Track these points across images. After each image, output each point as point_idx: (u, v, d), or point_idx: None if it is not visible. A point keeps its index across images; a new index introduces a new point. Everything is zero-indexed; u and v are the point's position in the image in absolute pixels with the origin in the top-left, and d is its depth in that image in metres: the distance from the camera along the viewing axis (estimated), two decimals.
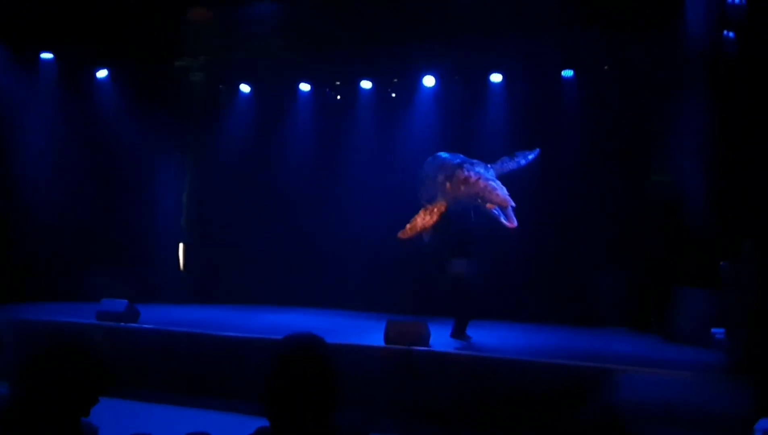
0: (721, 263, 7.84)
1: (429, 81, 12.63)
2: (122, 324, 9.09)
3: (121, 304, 9.32)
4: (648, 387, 6.57)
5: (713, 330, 8.78)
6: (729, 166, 7.89)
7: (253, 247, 13.27)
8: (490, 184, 8.99)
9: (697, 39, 9.09)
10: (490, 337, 9.09)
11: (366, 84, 13.13)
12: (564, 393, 6.77)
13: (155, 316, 9.70)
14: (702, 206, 9.22)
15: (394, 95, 13.08)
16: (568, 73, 11.85)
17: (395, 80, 12.95)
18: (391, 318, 8.22)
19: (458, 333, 8.55)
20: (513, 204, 8.80)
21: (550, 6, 10.20)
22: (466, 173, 9.19)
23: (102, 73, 13.17)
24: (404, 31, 11.26)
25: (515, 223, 8.75)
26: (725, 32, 8.48)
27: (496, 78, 12.26)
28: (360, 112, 13.25)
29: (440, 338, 8.10)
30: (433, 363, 7.43)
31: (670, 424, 5.92)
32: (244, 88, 13.84)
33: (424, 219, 9.54)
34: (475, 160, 9.58)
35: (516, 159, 9.99)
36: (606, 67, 11.55)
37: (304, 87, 13.54)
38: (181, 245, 13.90)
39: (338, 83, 13.42)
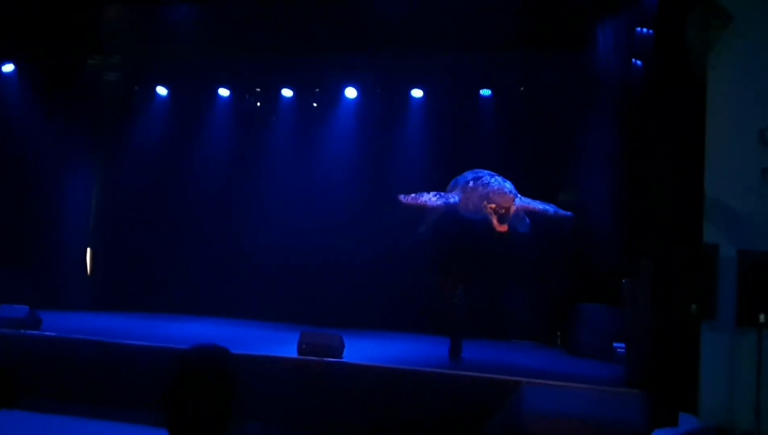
0: (623, 281, 8.20)
1: (351, 93, 12.70)
2: (23, 331, 8.68)
3: (21, 310, 8.90)
4: (552, 399, 6.80)
5: (615, 344, 9.18)
6: (631, 188, 8.27)
7: (163, 254, 12.92)
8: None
9: (607, 65, 9.53)
10: (401, 349, 9.20)
11: (287, 92, 13.07)
12: (471, 404, 6.91)
13: (58, 323, 9.31)
14: (606, 226, 9.64)
15: (315, 105, 13.07)
16: (486, 92, 12.16)
17: (317, 90, 12.95)
18: (305, 329, 8.19)
19: (455, 353, 8.61)
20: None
21: (472, 26, 10.46)
22: (517, 203, 8.99)
23: (8, 68, 12.52)
24: (327, 41, 11.28)
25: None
26: (633, 60, 8.93)
27: (417, 93, 12.45)
28: (280, 120, 13.17)
29: (353, 350, 8.11)
30: (346, 375, 7.44)
31: (572, 434, 6.13)
32: (161, 90, 13.50)
33: (432, 199, 9.43)
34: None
35: (546, 205, 9.69)
36: (522, 89, 11.91)
37: (223, 92, 13.34)
38: (88, 251, 13.41)
39: (258, 90, 13.29)
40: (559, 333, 11.06)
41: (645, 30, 8.51)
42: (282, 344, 8.48)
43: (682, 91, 6.88)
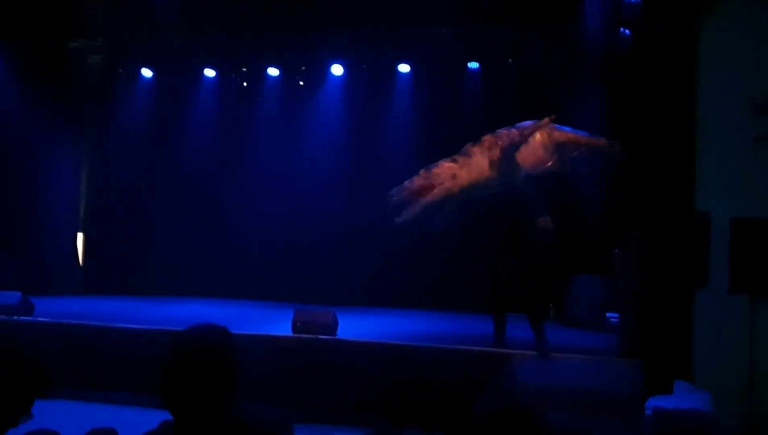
0: (615, 251, 8.24)
1: (337, 70, 12.60)
2: (15, 317, 8.64)
3: (13, 296, 8.82)
4: (546, 370, 6.86)
5: (607, 314, 9.26)
6: (622, 159, 8.27)
7: (154, 236, 12.86)
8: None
9: (594, 35, 9.48)
10: (395, 324, 9.23)
11: (273, 71, 12.95)
12: (465, 378, 6.95)
13: (51, 309, 9.26)
14: (598, 196, 9.66)
15: (302, 83, 12.97)
16: (474, 65, 12.09)
17: (303, 68, 12.84)
18: (299, 307, 8.20)
19: (541, 343, 7.23)
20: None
21: (456, 0, 10.38)
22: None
23: None
24: (312, 19, 11.17)
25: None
26: (621, 29, 8.89)
27: (404, 68, 12.37)
28: (267, 99, 13.07)
29: (347, 327, 8.13)
30: (340, 352, 7.46)
31: (567, 405, 6.18)
32: (146, 72, 13.35)
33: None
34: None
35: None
36: (510, 61, 11.85)
37: (209, 73, 13.20)
38: (79, 235, 13.35)
39: (244, 70, 13.16)
40: (551, 305, 11.12)
41: None
42: (276, 323, 8.49)
43: (671, 60, 6.86)
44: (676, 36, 6.80)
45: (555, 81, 10.97)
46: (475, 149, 8.20)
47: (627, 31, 8.71)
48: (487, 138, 8.22)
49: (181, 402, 1.86)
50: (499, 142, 7.98)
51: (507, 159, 7.95)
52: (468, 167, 8.13)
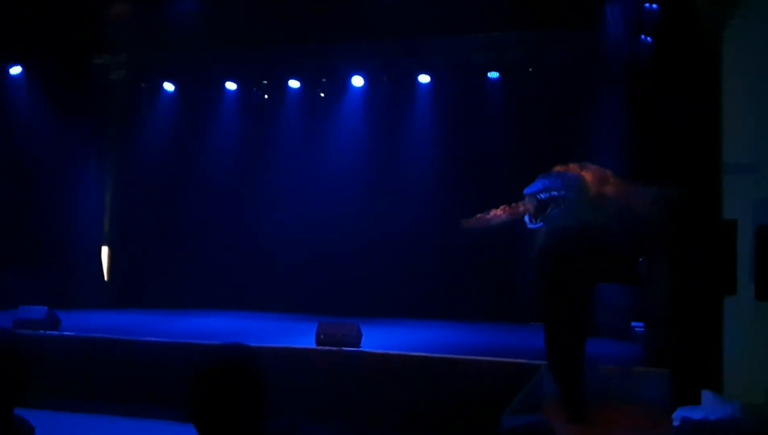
0: (640, 259, 8.15)
1: (357, 81, 12.65)
2: (42, 332, 8.74)
3: (40, 311, 8.93)
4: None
5: (633, 324, 9.15)
6: (644, 166, 8.19)
7: (178, 250, 12.99)
8: None
9: (615, 42, 9.42)
10: (419, 335, 9.20)
11: (294, 83, 13.03)
12: (491, 389, 6.91)
13: (76, 323, 9.37)
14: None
15: (322, 95, 13.03)
16: (494, 74, 12.07)
17: (324, 80, 12.91)
18: (322, 320, 8.21)
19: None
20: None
21: (476, 8, 10.38)
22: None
23: (15, 70, 12.57)
24: (332, 30, 11.24)
25: None
26: (642, 36, 8.82)
27: (424, 79, 12.38)
28: (288, 111, 13.15)
29: (371, 339, 8.12)
30: (364, 364, 7.45)
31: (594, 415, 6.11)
32: (168, 86, 13.51)
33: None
34: None
35: None
36: (530, 69, 11.81)
37: (231, 86, 13.33)
38: (104, 249, 13.50)
39: (265, 82, 13.26)
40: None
41: (654, 6, 8.41)
42: (300, 335, 8.50)
43: (694, 67, 6.79)
44: (699, 42, 6.74)
45: (576, 89, 10.91)
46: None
47: (649, 39, 8.64)
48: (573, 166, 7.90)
49: (208, 423, 1.87)
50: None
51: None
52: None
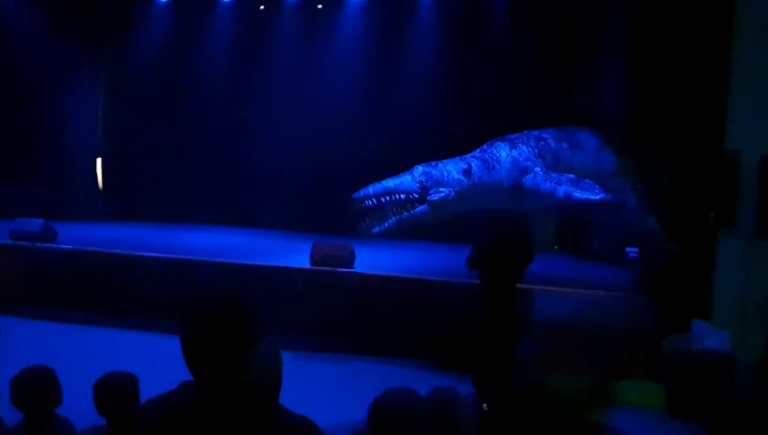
0: (638, 186, 8.11)
1: None
2: (39, 244, 8.76)
3: (36, 223, 8.93)
4: (563, 305, 6.83)
5: (627, 249, 9.18)
6: (650, 93, 8.03)
7: (172, 163, 12.84)
8: None
9: None
10: (412, 258, 9.24)
11: None
12: (483, 311, 6.96)
13: (72, 236, 9.38)
14: (622, 131, 9.42)
15: (320, 6, 12.61)
16: None
17: None
18: (317, 240, 8.21)
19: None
20: None
21: None
22: None
23: None
24: None
25: None
26: None
27: None
28: (284, 23, 12.75)
29: (365, 261, 8.14)
30: (357, 285, 7.50)
31: (582, 341, 6.20)
32: None
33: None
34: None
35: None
36: None
37: None
38: (98, 161, 13.39)
39: None
40: (570, 238, 11.05)
41: None
42: (294, 254, 8.52)
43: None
44: None
45: (579, 20, 10.53)
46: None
47: None
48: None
49: (201, 368, 1.87)
50: None
51: None
52: None
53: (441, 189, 8.75)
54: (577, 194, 8.61)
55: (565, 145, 9.51)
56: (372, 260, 8.40)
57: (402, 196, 8.69)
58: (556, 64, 10.73)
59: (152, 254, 8.44)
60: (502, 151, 9.30)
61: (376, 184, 8.77)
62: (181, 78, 12.97)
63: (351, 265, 7.79)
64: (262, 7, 12.87)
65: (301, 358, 6.77)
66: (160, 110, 12.99)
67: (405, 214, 8.67)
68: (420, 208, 8.71)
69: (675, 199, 6.85)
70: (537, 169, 9.11)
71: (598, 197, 8.51)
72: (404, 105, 11.62)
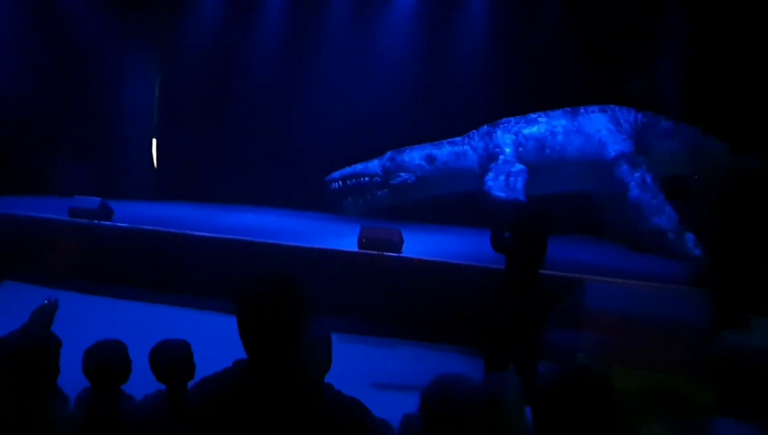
0: (693, 175, 7.89)
1: None
2: (96, 222, 9.00)
3: (94, 201, 9.17)
4: (614, 296, 6.70)
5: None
6: (703, 80, 7.80)
7: (225, 144, 13.03)
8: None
9: None
10: (461, 243, 9.18)
11: None
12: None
13: (128, 214, 9.61)
14: (677, 118, 9.18)
15: None
16: None
17: None
18: (365, 224, 8.23)
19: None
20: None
21: None
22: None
23: None
24: None
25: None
26: None
27: None
28: (336, 4, 12.75)
29: (413, 245, 8.13)
30: (404, 269, 7.49)
31: (631, 335, 6.08)
32: None
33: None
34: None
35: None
36: None
37: None
38: (154, 141, 13.68)
39: None
40: (619, 227, 10.81)
41: None
42: (343, 237, 8.57)
43: None
44: None
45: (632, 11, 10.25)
46: None
47: None
48: None
49: (255, 346, 1.90)
50: None
51: None
52: None
53: (401, 174, 9.19)
54: (494, 191, 8.79)
55: (559, 129, 9.25)
56: (419, 245, 8.39)
57: (366, 179, 9.41)
58: (608, 56, 10.50)
59: (205, 234, 8.58)
60: (477, 138, 9.53)
61: (347, 167, 9.44)
62: (233, 61, 13.12)
63: (399, 250, 7.79)
64: None
65: (349, 340, 6.81)
66: (213, 92, 13.18)
67: (368, 196, 9.41)
68: (381, 192, 9.33)
69: (732, 189, 6.64)
70: (502, 157, 9.01)
71: (503, 195, 8.60)
72: (451, 96, 11.54)
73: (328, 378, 2.41)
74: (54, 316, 3.13)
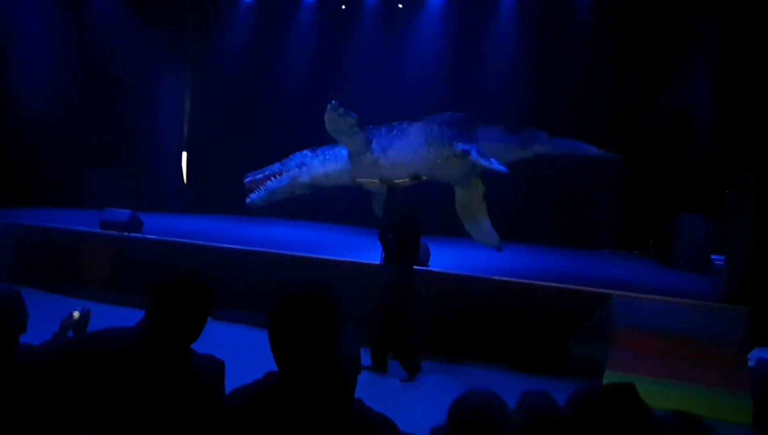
0: (727, 191, 7.78)
1: None
2: (126, 234, 9.12)
3: (124, 213, 9.30)
4: (644, 313, 6.63)
5: (713, 257, 8.83)
6: (738, 94, 7.71)
7: (254, 157, 13.12)
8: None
9: None
10: (488, 258, 9.14)
11: None
12: (560, 315, 6.85)
13: (157, 226, 9.72)
14: (709, 133, 9.08)
15: (401, 6, 12.65)
16: None
17: None
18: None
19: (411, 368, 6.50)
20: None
21: None
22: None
23: None
24: None
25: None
26: None
27: None
28: (365, 21, 12.87)
29: (440, 259, 8.11)
30: (430, 283, 7.46)
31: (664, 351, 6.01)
32: None
33: None
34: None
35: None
36: None
37: None
38: (184, 154, 13.86)
39: None
40: (651, 242, 10.73)
41: None
42: (368, 250, 8.56)
43: None
44: None
45: (669, 10, 10.19)
46: None
47: None
48: None
49: (286, 359, 1.91)
50: None
51: None
52: None
53: (291, 171, 9.84)
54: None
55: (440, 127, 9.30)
56: (446, 258, 8.37)
57: (266, 173, 9.94)
58: (642, 66, 10.44)
59: (234, 246, 8.64)
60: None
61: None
62: (263, 77, 13.29)
63: (426, 263, 7.77)
64: (343, 6, 13.01)
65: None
66: (243, 107, 13.33)
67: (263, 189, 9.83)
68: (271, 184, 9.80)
69: (764, 205, 6.54)
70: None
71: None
72: (482, 101, 11.54)
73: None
74: (87, 326, 3.17)
